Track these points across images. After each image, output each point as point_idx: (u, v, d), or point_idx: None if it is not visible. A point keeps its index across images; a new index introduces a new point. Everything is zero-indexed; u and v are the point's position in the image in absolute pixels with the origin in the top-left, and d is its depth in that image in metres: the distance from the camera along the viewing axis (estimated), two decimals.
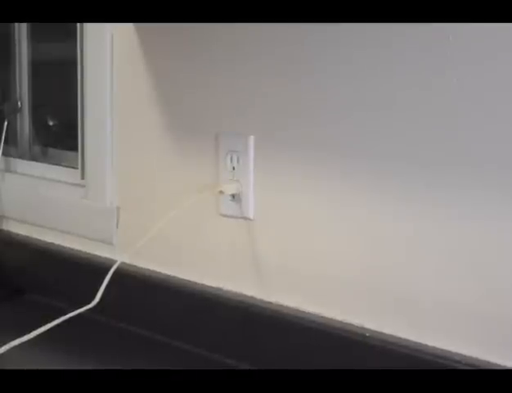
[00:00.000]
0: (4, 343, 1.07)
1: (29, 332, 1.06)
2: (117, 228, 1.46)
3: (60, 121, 1.71)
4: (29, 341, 1.07)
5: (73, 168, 1.55)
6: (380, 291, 1.09)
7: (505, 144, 0.97)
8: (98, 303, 1.13)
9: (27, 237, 1.62)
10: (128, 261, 1.33)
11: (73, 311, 1.07)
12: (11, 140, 1.71)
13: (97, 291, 1.08)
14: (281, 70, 1.18)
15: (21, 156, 1.70)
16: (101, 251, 1.48)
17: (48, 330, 1.08)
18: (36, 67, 1.70)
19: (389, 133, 1.07)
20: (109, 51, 1.42)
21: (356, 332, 1.10)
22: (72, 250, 1.54)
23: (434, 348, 1.03)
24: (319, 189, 1.16)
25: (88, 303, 1.07)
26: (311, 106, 1.15)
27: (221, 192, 1.24)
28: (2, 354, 1.07)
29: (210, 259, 1.31)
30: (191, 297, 1.31)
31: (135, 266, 1.39)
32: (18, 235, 1.64)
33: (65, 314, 1.07)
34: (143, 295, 1.37)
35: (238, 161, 1.23)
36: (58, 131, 1.71)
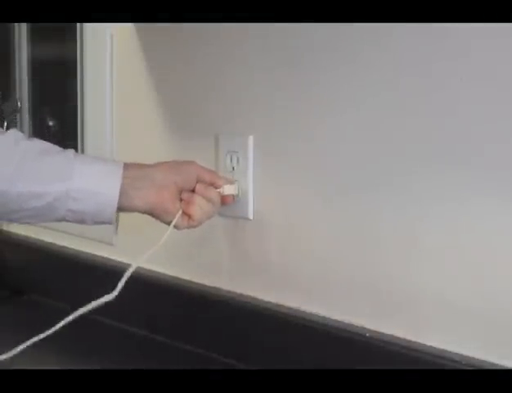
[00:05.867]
0: (4, 343, 1.07)
1: (36, 332, 1.07)
2: (117, 228, 1.46)
3: (60, 121, 1.70)
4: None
5: None
6: (380, 291, 1.09)
7: (507, 144, 0.96)
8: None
9: (27, 237, 1.62)
10: (142, 265, 1.28)
11: (89, 304, 1.07)
12: None
13: (105, 289, 1.08)
14: (282, 70, 1.18)
15: None
16: (101, 251, 1.48)
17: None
18: (36, 67, 1.70)
19: (390, 133, 1.07)
20: (109, 51, 1.42)
21: (356, 332, 1.10)
22: (72, 250, 1.54)
23: (434, 348, 1.03)
24: (319, 189, 1.16)
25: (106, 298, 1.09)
26: (311, 107, 1.15)
27: (220, 193, 1.24)
28: (8, 356, 1.07)
29: (210, 259, 1.31)
30: (191, 297, 1.31)
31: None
32: (18, 235, 1.64)
33: (66, 315, 1.07)
34: (143, 295, 1.37)
35: (238, 162, 1.23)
36: (58, 131, 1.71)
